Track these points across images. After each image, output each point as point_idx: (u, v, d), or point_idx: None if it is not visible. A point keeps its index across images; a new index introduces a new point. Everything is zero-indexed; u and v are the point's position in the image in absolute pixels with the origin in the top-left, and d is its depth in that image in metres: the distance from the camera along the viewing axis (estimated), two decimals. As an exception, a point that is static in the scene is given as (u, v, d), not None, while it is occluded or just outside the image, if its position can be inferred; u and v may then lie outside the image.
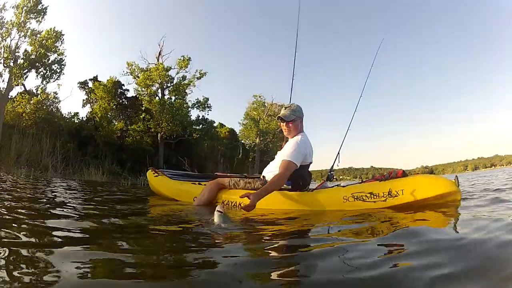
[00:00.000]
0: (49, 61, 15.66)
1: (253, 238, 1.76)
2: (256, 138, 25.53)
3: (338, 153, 3.60)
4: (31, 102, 13.59)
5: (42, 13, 15.58)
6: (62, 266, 1.03)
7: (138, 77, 18.46)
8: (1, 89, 13.54)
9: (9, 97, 13.98)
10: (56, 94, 15.83)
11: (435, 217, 2.22)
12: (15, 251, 1.18)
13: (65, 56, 16.26)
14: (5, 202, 2.68)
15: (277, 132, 24.12)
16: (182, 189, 3.89)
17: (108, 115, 17.37)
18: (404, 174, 2.82)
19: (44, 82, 15.44)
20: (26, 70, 14.65)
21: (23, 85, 14.74)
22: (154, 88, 18.72)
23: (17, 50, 14.56)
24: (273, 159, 3.30)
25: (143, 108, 18.32)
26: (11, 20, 14.40)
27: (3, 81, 13.84)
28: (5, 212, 2.11)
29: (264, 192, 2.59)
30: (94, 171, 12.05)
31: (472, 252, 1.21)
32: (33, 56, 14.81)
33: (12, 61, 14.09)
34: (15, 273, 0.96)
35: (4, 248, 1.18)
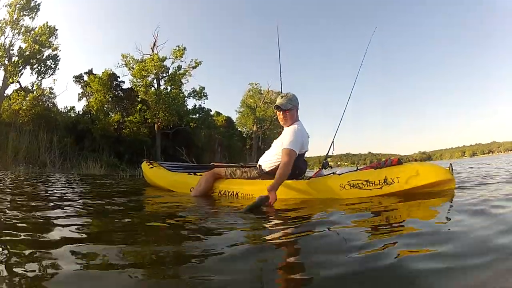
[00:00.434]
0: (44, 57, 15.89)
1: (252, 226, 1.78)
2: (253, 125, 25.68)
3: (333, 141, 3.62)
4: (27, 98, 13.78)
5: (35, 10, 15.70)
6: (59, 261, 1.06)
7: (133, 68, 18.47)
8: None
9: (5, 95, 14.21)
10: (52, 89, 16.12)
11: (429, 205, 2.26)
12: (13, 245, 1.24)
13: (60, 51, 16.48)
14: (4, 200, 2.76)
15: (274, 119, 24.04)
16: (178, 180, 3.90)
17: (104, 108, 17.53)
18: (399, 162, 2.86)
19: (39, 78, 15.75)
20: (21, 67, 14.87)
21: (19, 82, 14.98)
22: (149, 78, 18.71)
23: (11, 48, 14.69)
24: (270, 147, 3.32)
25: (139, 99, 18.43)
26: (4, 19, 14.50)
27: (-2, 79, 14.08)
28: (4, 208, 2.18)
29: (277, 184, 2.63)
30: (92, 164, 12.23)
31: (461, 239, 1.25)
32: (27, 53, 15.01)
33: (6, 59, 14.25)
34: (13, 268, 0.99)
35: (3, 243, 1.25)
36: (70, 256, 1.10)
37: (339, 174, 2.98)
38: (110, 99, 17.76)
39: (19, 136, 11.24)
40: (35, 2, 15.56)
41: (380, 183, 2.69)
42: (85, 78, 18.43)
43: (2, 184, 4.46)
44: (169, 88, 19.35)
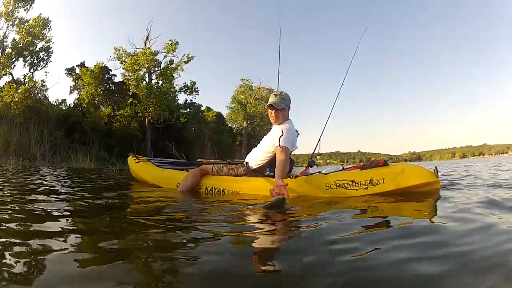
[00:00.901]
0: (37, 49, 15.95)
1: (238, 223, 1.81)
2: (243, 121, 26.02)
3: (319, 140, 3.56)
4: (19, 91, 13.89)
5: (30, 1, 15.74)
6: (40, 257, 1.05)
7: (125, 62, 18.60)
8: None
9: (-3, 87, 14.30)
10: (44, 82, 16.22)
11: (413, 206, 2.25)
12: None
13: (53, 43, 16.54)
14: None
15: (264, 115, 24.44)
16: (165, 175, 3.89)
17: (96, 101, 17.70)
18: (385, 163, 2.87)
19: (32, 70, 15.83)
20: (14, 59, 14.94)
21: (11, 74, 15.07)
22: (141, 72, 18.87)
23: (5, 39, 14.78)
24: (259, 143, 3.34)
25: (130, 93, 18.56)
26: (-1, 11, 14.55)
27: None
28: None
29: (280, 181, 2.53)
30: (82, 158, 12.37)
31: (444, 240, 1.26)
32: (20, 45, 15.05)
33: (0, 51, 14.34)
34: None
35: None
36: (52, 254, 1.08)
37: (325, 174, 2.99)
38: (101, 92, 17.92)
39: (10, 129, 11.31)
40: (31, -7, 15.63)
41: (366, 184, 2.72)
42: (77, 70, 18.54)
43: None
44: (160, 82, 19.58)
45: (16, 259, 1.02)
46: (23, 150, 11.11)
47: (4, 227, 1.45)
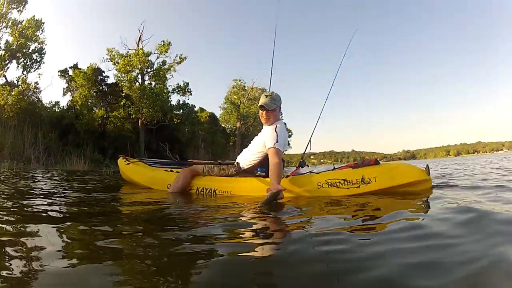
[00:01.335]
0: (30, 51, 15.97)
1: (230, 223, 1.77)
2: (236, 122, 26.18)
3: (310, 140, 3.59)
4: (13, 93, 13.94)
5: (24, 2, 15.75)
6: (32, 260, 1.05)
7: (118, 63, 18.64)
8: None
9: (-10, 90, 14.31)
10: (37, 84, 16.25)
11: (405, 203, 2.29)
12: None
13: (46, 45, 16.57)
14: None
15: (257, 116, 24.01)
16: (155, 177, 3.85)
17: (89, 103, 17.78)
18: (377, 162, 2.88)
19: (25, 72, 15.82)
20: (7, 61, 14.95)
21: (5, 76, 15.09)
22: (134, 73, 18.96)
23: (-2, 41, 14.81)
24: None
25: (123, 94, 18.65)
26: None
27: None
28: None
29: (276, 183, 2.57)
30: (76, 160, 12.53)
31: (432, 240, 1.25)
32: (13, 47, 15.05)
33: (-7, 53, 14.38)
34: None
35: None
36: (44, 256, 1.09)
37: (316, 173, 2.99)
38: (94, 94, 18.01)
39: (4, 132, 11.37)
40: (24, -6, 15.64)
41: (358, 182, 2.73)
42: (70, 72, 18.60)
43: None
44: (153, 83, 19.65)
45: (9, 259, 1.04)
46: (17, 153, 11.17)
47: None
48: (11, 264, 1.00)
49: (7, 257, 1.07)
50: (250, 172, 3.22)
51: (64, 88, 19.14)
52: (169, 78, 20.39)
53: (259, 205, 2.29)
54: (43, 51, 16.63)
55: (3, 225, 1.54)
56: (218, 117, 27.33)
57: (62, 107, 18.19)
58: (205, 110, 26.44)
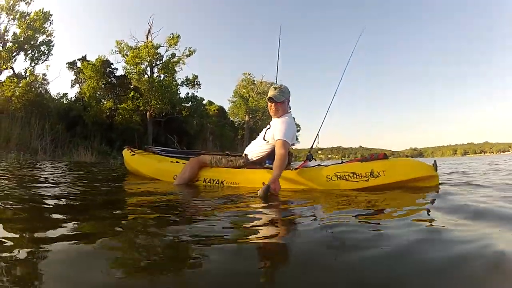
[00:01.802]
0: (38, 43, 15.90)
1: (239, 214, 1.78)
2: (245, 115, 25.97)
3: (317, 134, 3.56)
4: (20, 85, 13.87)
5: (31, -5, 15.60)
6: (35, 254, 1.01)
7: (127, 55, 18.46)
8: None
9: (-2, 81, 14.28)
10: (45, 75, 16.16)
11: (412, 198, 2.30)
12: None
13: (54, 37, 16.49)
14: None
15: (266, 109, 23.96)
16: (161, 168, 3.78)
17: (97, 95, 17.63)
18: (385, 156, 2.89)
19: (33, 64, 15.76)
20: (15, 53, 14.91)
21: (12, 68, 15.04)
22: (143, 66, 18.68)
23: (6, 33, 14.72)
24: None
25: (132, 86, 18.50)
26: (0, 4, 14.47)
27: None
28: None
29: (277, 175, 2.60)
30: (83, 152, 12.42)
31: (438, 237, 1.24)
32: (21, 39, 15.01)
33: (1, 45, 14.31)
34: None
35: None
36: (46, 252, 1.04)
37: (325, 166, 2.99)
38: (102, 86, 17.84)
39: (11, 123, 11.32)
40: (32, -14, 15.51)
41: (367, 176, 2.73)
42: (78, 64, 18.47)
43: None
44: (162, 76, 19.43)
45: (13, 249, 1.04)
46: (24, 144, 11.14)
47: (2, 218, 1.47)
48: (17, 250, 1.02)
49: (12, 243, 1.09)
50: (258, 163, 3.21)
51: (72, 80, 19.07)
52: (178, 71, 20.19)
53: (258, 194, 2.31)
54: (51, 43, 16.52)
55: (10, 214, 1.57)
56: (227, 110, 27.14)
57: (70, 99, 18.14)
58: (214, 104, 26.21)
